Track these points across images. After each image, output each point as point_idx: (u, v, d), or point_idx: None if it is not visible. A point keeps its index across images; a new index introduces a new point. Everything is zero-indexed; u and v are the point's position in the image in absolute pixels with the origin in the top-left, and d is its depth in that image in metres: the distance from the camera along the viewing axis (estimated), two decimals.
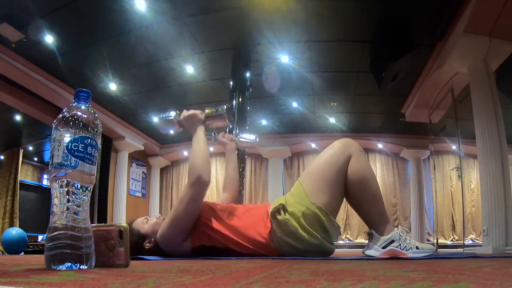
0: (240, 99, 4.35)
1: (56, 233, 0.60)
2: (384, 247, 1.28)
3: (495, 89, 3.48)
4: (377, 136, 7.00)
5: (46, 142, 7.27)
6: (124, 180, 6.87)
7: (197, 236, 1.31)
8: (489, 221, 3.21)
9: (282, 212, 1.28)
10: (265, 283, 0.41)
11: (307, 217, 1.27)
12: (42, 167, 8.68)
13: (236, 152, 1.73)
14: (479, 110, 3.49)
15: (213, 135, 1.61)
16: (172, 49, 4.35)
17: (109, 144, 6.57)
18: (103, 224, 0.73)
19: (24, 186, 6.89)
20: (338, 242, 6.71)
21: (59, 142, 0.64)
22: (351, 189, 1.33)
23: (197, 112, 1.40)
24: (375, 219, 1.33)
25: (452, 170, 6.88)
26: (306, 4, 3.58)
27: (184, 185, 1.46)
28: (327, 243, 1.31)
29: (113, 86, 5.13)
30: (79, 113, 0.66)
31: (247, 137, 1.69)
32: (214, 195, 7.53)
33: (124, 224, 0.72)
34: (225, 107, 1.41)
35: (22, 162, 7.11)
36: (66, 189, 0.63)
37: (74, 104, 0.68)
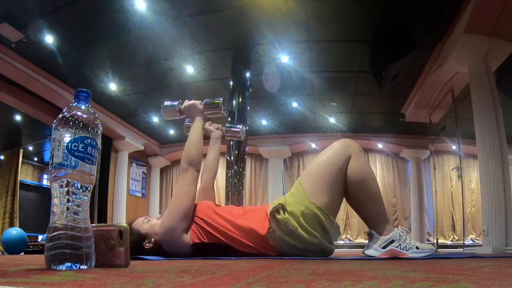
0: (240, 99, 4.36)
1: (56, 233, 0.61)
2: (384, 247, 1.28)
3: (495, 89, 3.48)
4: (377, 136, 7.00)
5: (46, 142, 7.28)
6: (124, 180, 6.87)
7: (197, 232, 1.31)
8: (489, 221, 3.21)
9: (281, 211, 1.29)
10: (265, 283, 0.41)
11: (306, 216, 1.27)
12: (42, 167, 8.69)
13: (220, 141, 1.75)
14: (479, 110, 3.49)
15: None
16: (172, 49, 4.35)
17: (109, 144, 6.58)
18: (103, 224, 0.73)
19: (24, 186, 6.89)
20: (338, 242, 6.72)
21: (59, 142, 0.64)
22: (351, 189, 1.33)
23: (197, 102, 1.50)
24: (375, 219, 1.33)
25: (452, 170, 6.88)
26: (306, 4, 3.58)
27: (195, 187, 1.52)
28: (327, 243, 1.31)
29: (113, 86, 5.13)
30: (79, 113, 0.66)
31: (234, 127, 1.74)
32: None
33: (124, 224, 0.72)
34: (222, 98, 1.50)
35: (22, 162, 7.11)
36: (66, 189, 0.63)
37: (74, 104, 0.68)
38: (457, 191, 7.19)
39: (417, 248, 1.27)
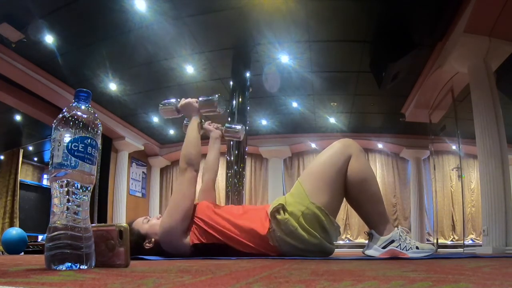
0: (240, 99, 4.36)
1: (56, 233, 0.61)
2: (384, 247, 1.28)
3: (495, 89, 3.48)
4: (377, 136, 7.00)
5: (46, 142, 7.28)
6: (124, 180, 6.87)
7: (196, 233, 1.31)
8: (489, 221, 3.21)
9: (281, 211, 1.28)
10: (265, 283, 0.41)
11: (306, 217, 1.27)
12: (42, 167, 8.69)
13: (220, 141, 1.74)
14: (479, 110, 3.49)
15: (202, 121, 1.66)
16: (172, 49, 4.35)
17: (109, 144, 6.58)
18: (103, 224, 0.73)
19: (24, 186, 6.89)
20: (338, 242, 6.71)
21: (59, 142, 0.64)
22: (351, 189, 1.33)
23: (193, 100, 1.50)
24: (375, 219, 1.33)
25: (452, 170, 6.88)
26: (306, 4, 3.58)
27: (194, 187, 1.51)
28: (327, 243, 1.31)
29: (113, 86, 5.13)
30: (79, 113, 0.66)
31: (233, 127, 1.74)
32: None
33: (124, 224, 0.72)
34: (217, 96, 1.50)
35: (22, 162, 7.11)
36: (66, 189, 0.63)
37: (74, 104, 0.68)
38: (457, 191, 7.19)
39: (417, 248, 1.27)
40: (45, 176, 8.63)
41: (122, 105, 5.70)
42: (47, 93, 4.89)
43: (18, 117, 6.00)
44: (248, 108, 4.48)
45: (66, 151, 0.63)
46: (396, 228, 1.31)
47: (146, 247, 1.29)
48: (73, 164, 0.63)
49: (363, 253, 1.34)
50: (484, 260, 1.03)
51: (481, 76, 3.54)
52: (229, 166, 4.29)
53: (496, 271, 0.57)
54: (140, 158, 7.68)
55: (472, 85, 3.64)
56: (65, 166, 0.63)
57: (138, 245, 1.27)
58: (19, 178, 6.77)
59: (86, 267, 0.62)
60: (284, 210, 1.29)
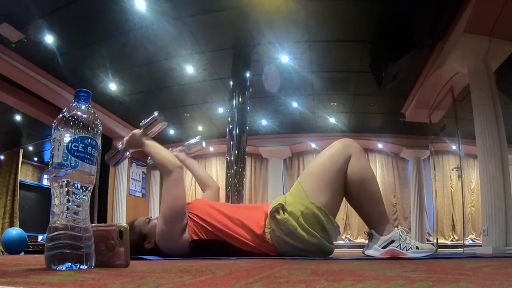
0: (240, 99, 4.35)
1: (56, 233, 0.60)
2: (384, 247, 1.28)
3: (495, 89, 3.48)
4: (377, 136, 7.00)
5: (46, 142, 7.28)
6: (124, 180, 6.87)
7: (194, 228, 1.32)
8: (489, 221, 3.21)
9: (281, 211, 1.28)
10: (265, 283, 0.41)
11: (306, 216, 1.27)
12: (42, 167, 8.69)
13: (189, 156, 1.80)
14: (479, 110, 3.49)
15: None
16: (172, 49, 4.35)
17: (109, 144, 6.57)
18: (103, 224, 0.73)
19: (24, 186, 6.89)
20: (338, 242, 6.72)
21: (59, 142, 0.64)
22: (351, 189, 1.33)
23: (135, 130, 1.46)
24: (375, 219, 1.33)
25: (452, 170, 6.88)
26: (306, 4, 3.58)
27: (183, 186, 1.52)
28: (327, 243, 1.31)
29: (113, 86, 5.13)
30: (79, 113, 0.66)
31: (192, 141, 1.80)
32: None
33: (124, 224, 0.72)
34: (156, 113, 1.48)
35: (22, 162, 7.11)
36: (66, 189, 0.63)
37: (74, 104, 0.68)
38: (457, 191, 7.19)
39: (417, 248, 1.27)
40: (45, 176, 8.63)
41: (122, 105, 5.70)
42: (47, 93, 4.89)
43: (18, 117, 6.01)
44: (248, 108, 4.47)
45: (66, 151, 0.63)
46: (396, 228, 1.31)
47: (147, 247, 1.29)
48: (73, 164, 0.63)
49: (363, 253, 1.34)
50: (484, 260, 1.03)
51: (481, 76, 3.54)
52: (229, 166, 4.29)
53: (496, 271, 0.57)
54: (140, 158, 7.67)
55: (472, 85, 3.64)
56: (65, 166, 0.63)
57: (138, 245, 1.28)
58: (19, 178, 6.77)
59: (86, 267, 0.62)
60: (284, 210, 1.29)
